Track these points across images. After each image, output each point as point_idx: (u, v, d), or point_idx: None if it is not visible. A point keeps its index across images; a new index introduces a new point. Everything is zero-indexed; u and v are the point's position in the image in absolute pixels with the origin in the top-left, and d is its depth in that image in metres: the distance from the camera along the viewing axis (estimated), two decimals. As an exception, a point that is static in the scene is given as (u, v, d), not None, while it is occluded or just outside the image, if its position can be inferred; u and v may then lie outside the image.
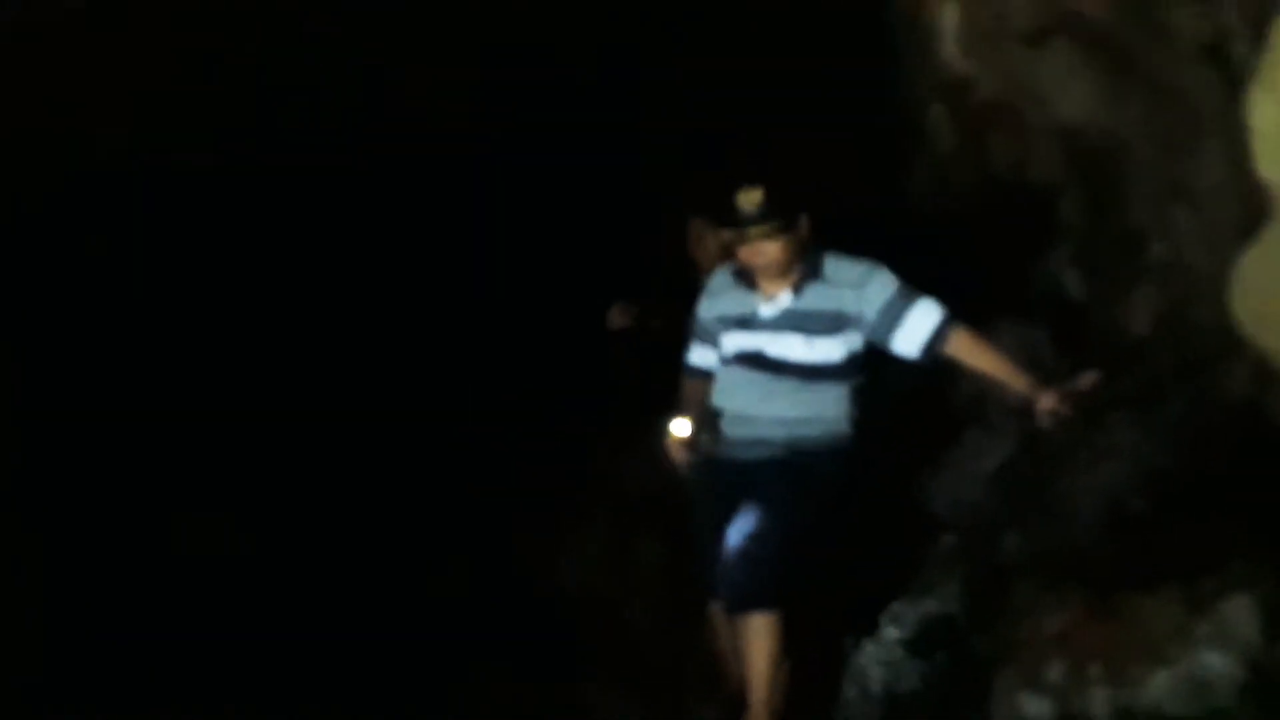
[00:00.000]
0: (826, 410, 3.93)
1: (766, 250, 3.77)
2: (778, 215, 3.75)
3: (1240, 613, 2.82)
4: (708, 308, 4.05)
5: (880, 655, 3.86)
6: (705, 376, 4.06)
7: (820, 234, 4.01)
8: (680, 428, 3.82)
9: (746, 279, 3.93)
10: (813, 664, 4.26)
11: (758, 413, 3.92)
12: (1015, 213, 5.19)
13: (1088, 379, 3.70)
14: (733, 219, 3.76)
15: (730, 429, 3.96)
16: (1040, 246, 4.97)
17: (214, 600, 5.39)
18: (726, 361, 3.98)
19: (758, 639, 3.79)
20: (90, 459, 5.67)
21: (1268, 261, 2.30)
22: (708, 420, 3.94)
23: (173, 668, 5.01)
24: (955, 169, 5.59)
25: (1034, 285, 4.91)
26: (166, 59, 5.78)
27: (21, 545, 5.16)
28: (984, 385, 4.30)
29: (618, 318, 5.12)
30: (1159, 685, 2.82)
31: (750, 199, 3.71)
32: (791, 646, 3.99)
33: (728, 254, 4.18)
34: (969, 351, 3.84)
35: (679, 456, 3.94)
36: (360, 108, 7.19)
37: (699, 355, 4.11)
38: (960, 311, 5.10)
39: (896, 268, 5.79)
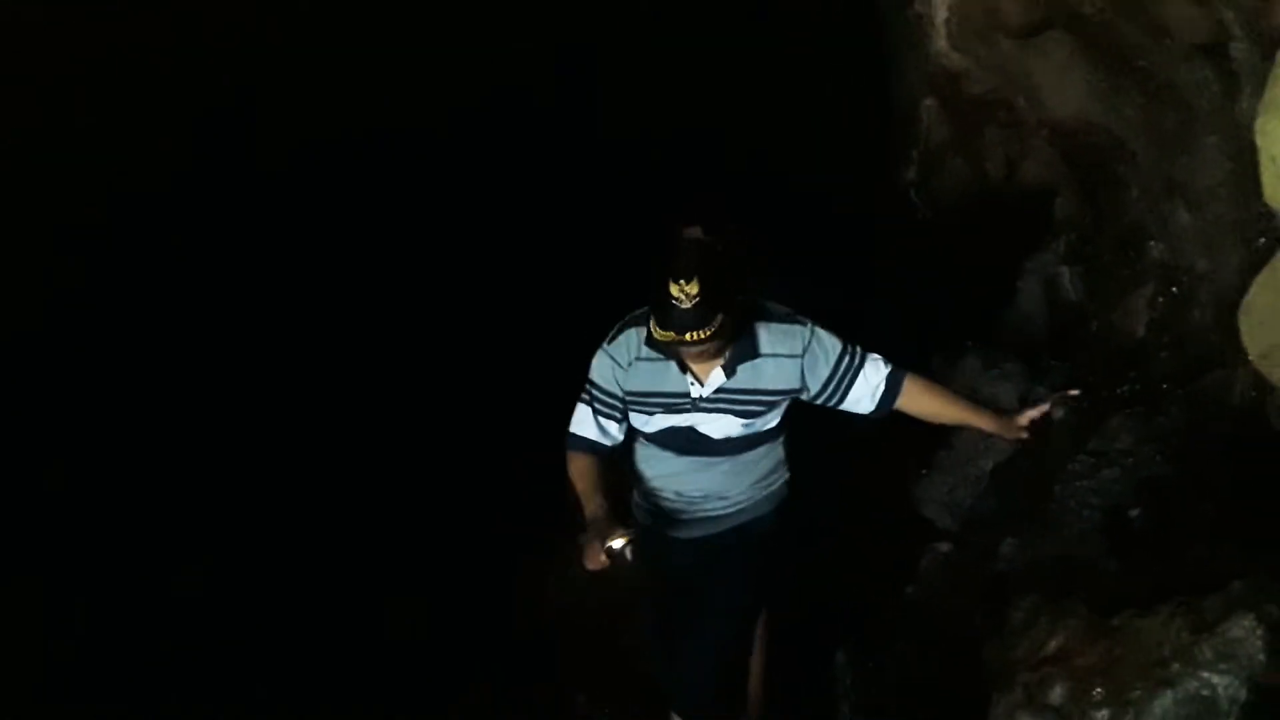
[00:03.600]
0: (766, 473, 3.68)
1: (694, 351, 3.26)
2: (716, 310, 3.15)
3: (1245, 633, 2.75)
4: (620, 379, 3.47)
5: (873, 668, 3.78)
6: (598, 452, 3.53)
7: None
8: (617, 543, 3.24)
9: (671, 355, 3.39)
10: (801, 674, 4.21)
11: (696, 490, 3.61)
12: (1009, 208, 5.13)
13: (1055, 401, 3.62)
14: (667, 320, 3.16)
15: (667, 503, 3.65)
16: (1035, 243, 4.90)
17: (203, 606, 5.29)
18: (649, 437, 3.57)
19: None
20: (82, 462, 5.57)
21: (1275, 292, 2.20)
22: (619, 524, 3.34)
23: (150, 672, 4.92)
24: (947, 163, 5.52)
25: (1028, 283, 4.84)
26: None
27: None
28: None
29: None
30: (1163, 707, 2.74)
31: (685, 295, 3.11)
32: (779, 656, 3.95)
33: None
34: (923, 402, 3.54)
35: (601, 565, 3.31)
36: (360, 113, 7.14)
37: (595, 429, 3.52)
38: (951, 308, 5.08)
39: (886, 262, 5.82)
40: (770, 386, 3.42)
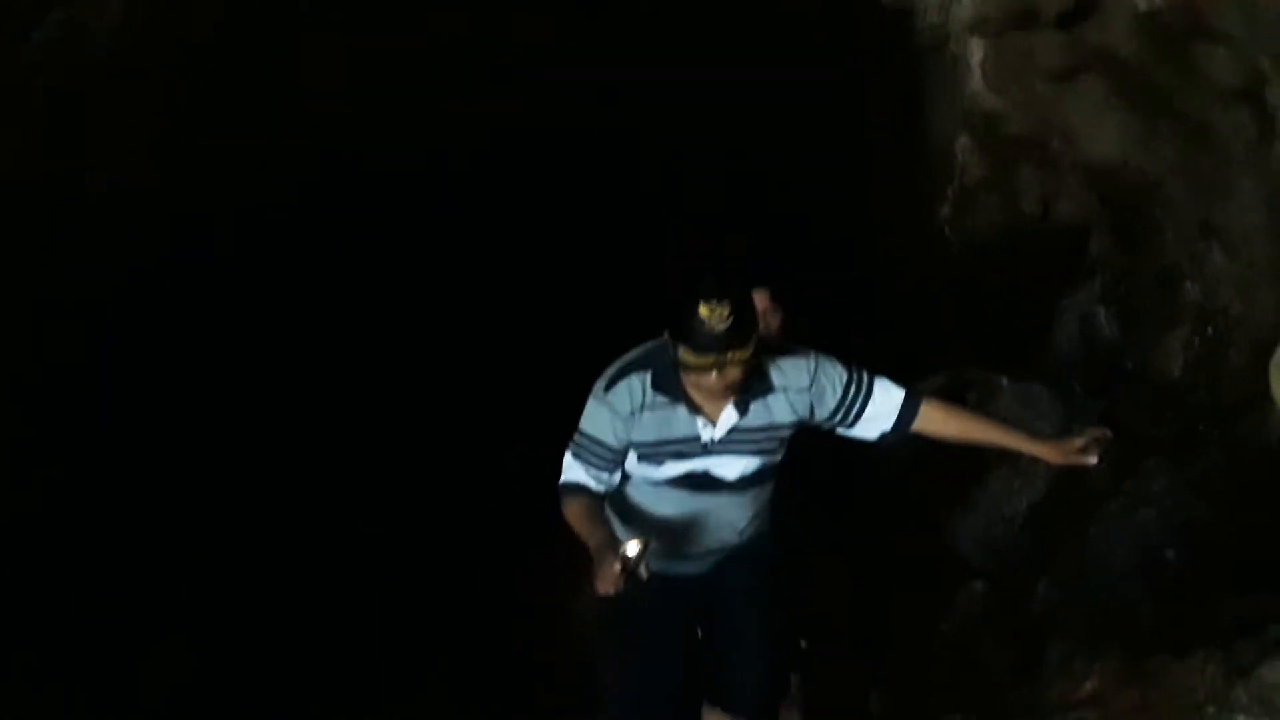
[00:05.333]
0: (769, 498, 3.58)
1: (730, 375, 3.14)
2: (751, 328, 3.10)
3: (1281, 677, 2.76)
4: (620, 431, 3.31)
5: (908, 705, 3.78)
6: (594, 495, 3.39)
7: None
8: (633, 549, 3.06)
9: (678, 396, 3.28)
10: (834, 714, 4.21)
11: (710, 525, 3.48)
12: (1044, 246, 5.15)
13: (1090, 441, 3.28)
14: (705, 342, 3.07)
15: (677, 544, 3.49)
16: (1070, 282, 4.92)
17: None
18: (657, 484, 3.43)
19: None
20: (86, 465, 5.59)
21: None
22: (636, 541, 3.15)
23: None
24: (981, 201, 5.55)
25: (1064, 322, 4.86)
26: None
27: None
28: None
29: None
30: (1198, 751, 2.76)
31: (718, 315, 3.04)
32: (814, 695, 3.93)
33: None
34: (947, 423, 3.41)
35: (618, 585, 3.11)
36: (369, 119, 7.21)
37: (587, 478, 3.37)
38: (988, 345, 5.10)
39: (919, 301, 5.85)
40: (782, 421, 3.34)
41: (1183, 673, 2.86)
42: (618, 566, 3.03)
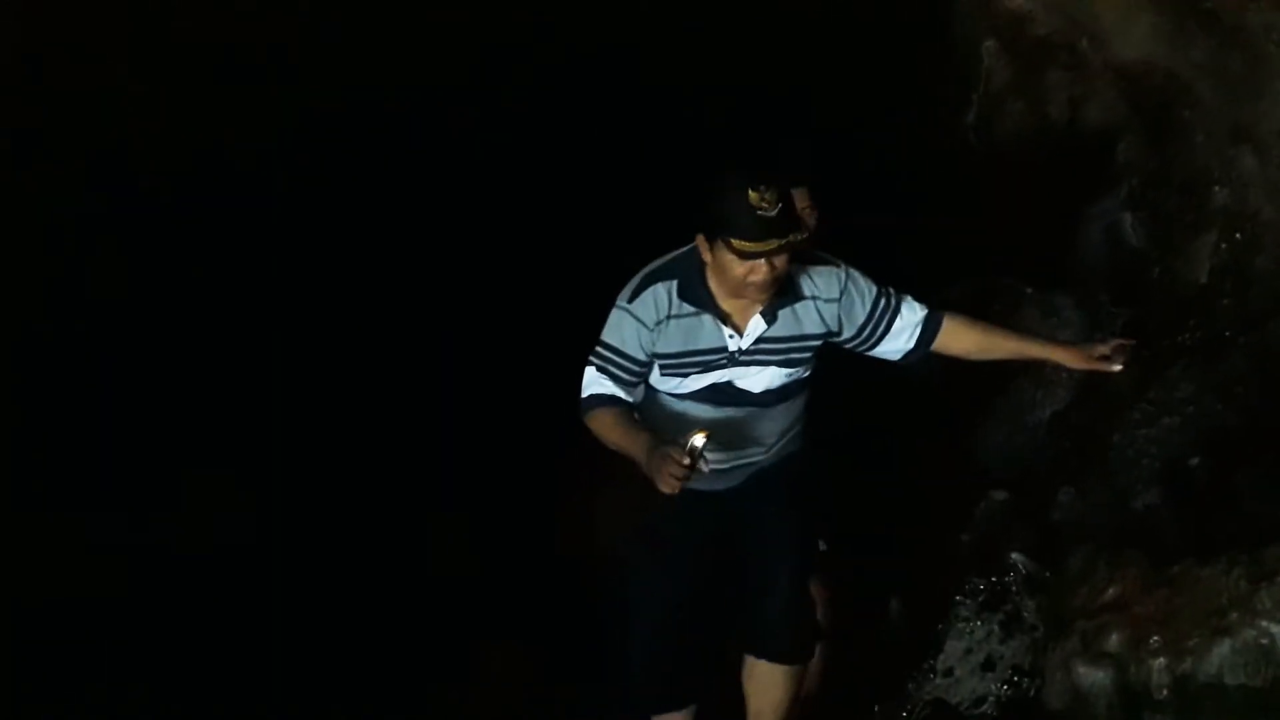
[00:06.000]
0: (800, 414, 3.47)
1: (780, 264, 3.05)
2: (799, 219, 3.06)
3: (1305, 583, 2.76)
4: (646, 342, 3.21)
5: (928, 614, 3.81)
6: (626, 404, 3.26)
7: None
8: (699, 440, 2.93)
9: (705, 305, 3.19)
10: (854, 621, 4.23)
11: (736, 439, 3.36)
12: (1071, 152, 5.07)
13: (1115, 349, 3.21)
14: (759, 229, 2.97)
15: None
16: (1097, 188, 4.86)
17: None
18: (681, 398, 3.31)
19: (792, 685, 3.52)
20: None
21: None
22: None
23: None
24: (1008, 105, 5.47)
25: (1089, 229, 4.81)
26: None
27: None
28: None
29: None
30: (1221, 655, 2.77)
31: (769, 200, 2.95)
32: (836, 605, 3.93)
33: None
34: (968, 338, 3.35)
35: (684, 478, 2.97)
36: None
37: (625, 391, 3.26)
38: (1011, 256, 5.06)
39: (943, 209, 5.78)
40: (811, 331, 3.26)
41: (1206, 578, 2.87)
42: (685, 460, 2.91)
